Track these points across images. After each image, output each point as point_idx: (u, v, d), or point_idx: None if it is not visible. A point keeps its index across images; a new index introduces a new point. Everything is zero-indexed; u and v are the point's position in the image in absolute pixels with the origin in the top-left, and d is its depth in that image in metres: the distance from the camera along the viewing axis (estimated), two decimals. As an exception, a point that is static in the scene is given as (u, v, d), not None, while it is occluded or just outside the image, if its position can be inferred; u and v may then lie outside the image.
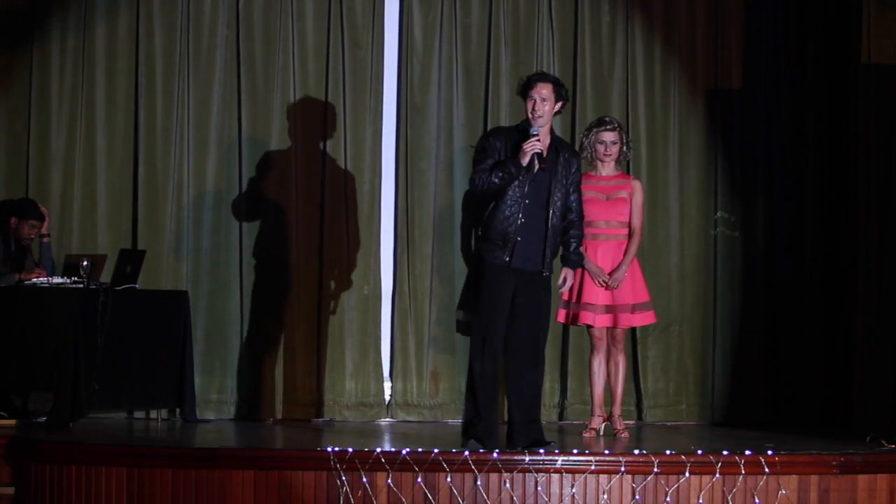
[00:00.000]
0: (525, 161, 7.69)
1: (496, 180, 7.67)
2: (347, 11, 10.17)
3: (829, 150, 10.11)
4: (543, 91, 7.78)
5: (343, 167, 10.11)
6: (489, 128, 10.13)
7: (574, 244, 8.02)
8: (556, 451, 7.42)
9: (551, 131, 7.90)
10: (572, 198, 7.94)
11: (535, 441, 7.72)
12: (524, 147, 7.68)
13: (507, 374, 7.86)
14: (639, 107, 10.22)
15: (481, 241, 7.81)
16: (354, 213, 10.09)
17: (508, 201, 7.73)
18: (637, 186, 8.82)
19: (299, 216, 10.07)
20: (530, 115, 7.78)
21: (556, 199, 7.83)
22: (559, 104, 7.85)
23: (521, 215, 7.73)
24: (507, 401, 7.96)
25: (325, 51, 10.18)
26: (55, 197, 10.03)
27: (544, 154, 7.76)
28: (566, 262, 8.06)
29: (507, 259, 7.73)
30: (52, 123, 10.09)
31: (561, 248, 8.00)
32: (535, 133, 7.72)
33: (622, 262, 8.67)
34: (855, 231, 9.61)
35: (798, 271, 10.12)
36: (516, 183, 7.72)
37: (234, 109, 10.14)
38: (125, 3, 10.12)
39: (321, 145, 10.14)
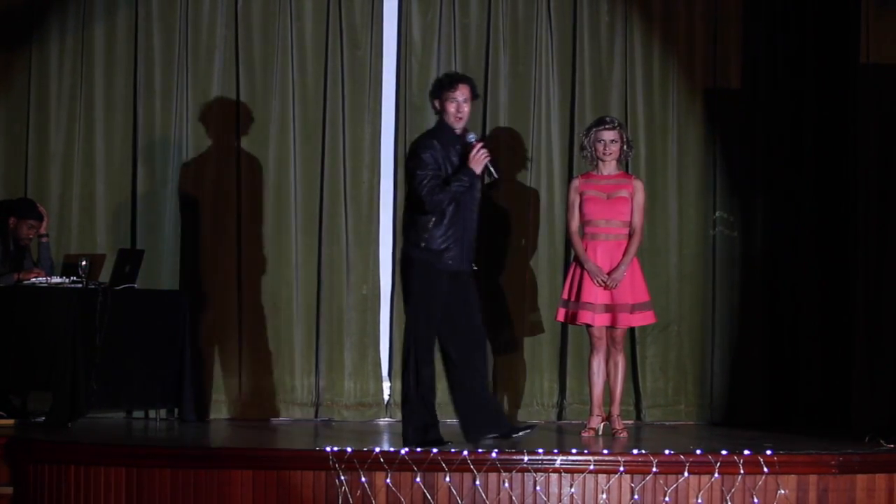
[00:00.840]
0: (479, 170, 7.72)
1: (457, 194, 7.66)
2: (346, 11, 10.17)
3: (829, 150, 10.10)
4: (466, 92, 7.77)
5: (342, 167, 10.11)
6: (488, 129, 10.15)
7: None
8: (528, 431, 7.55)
9: None
10: (478, 196, 7.97)
11: (512, 429, 7.72)
12: (478, 156, 7.68)
13: (464, 376, 7.81)
14: (638, 107, 10.22)
15: (423, 250, 7.71)
16: (354, 212, 10.09)
17: (455, 210, 7.72)
18: (638, 186, 8.82)
19: (298, 215, 10.07)
20: (452, 118, 7.75)
21: (478, 199, 7.88)
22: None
23: (469, 220, 7.78)
24: (467, 402, 7.83)
25: (324, 51, 10.18)
26: (54, 197, 10.03)
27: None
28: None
29: (458, 263, 7.74)
30: (51, 123, 10.09)
31: None
32: (474, 139, 7.75)
33: (621, 261, 8.67)
34: (854, 231, 9.61)
35: (797, 271, 10.12)
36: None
37: (232, 109, 10.13)
38: (124, 4, 10.12)
39: (320, 145, 10.13)
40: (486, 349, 8.07)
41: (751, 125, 10.20)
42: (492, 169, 7.81)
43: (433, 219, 7.69)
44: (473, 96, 7.82)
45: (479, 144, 7.72)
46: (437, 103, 7.80)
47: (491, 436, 7.66)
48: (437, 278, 7.72)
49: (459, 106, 7.75)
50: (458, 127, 7.78)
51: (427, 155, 7.69)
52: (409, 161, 7.79)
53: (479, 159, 7.69)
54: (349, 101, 10.16)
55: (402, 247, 7.89)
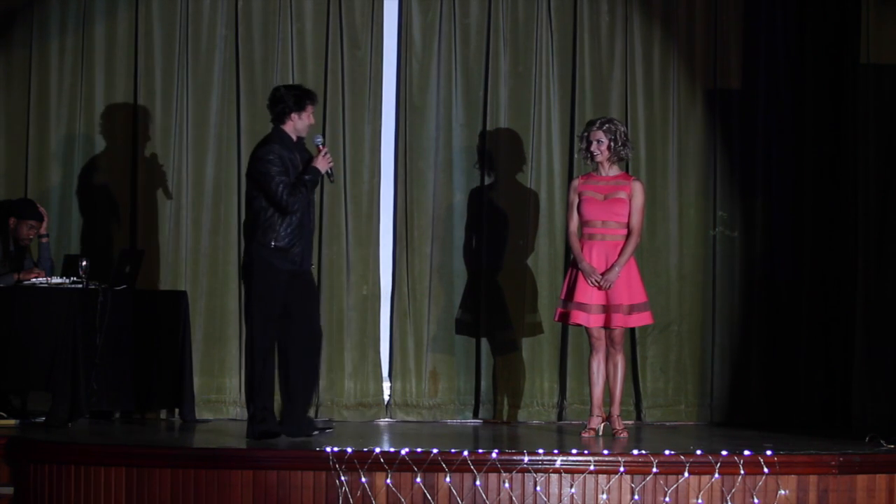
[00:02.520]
0: (324, 170, 8.26)
1: (308, 192, 8.18)
2: (346, 11, 10.17)
3: (829, 150, 10.11)
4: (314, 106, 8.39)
5: (342, 167, 10.11)
6: (488, 128, 10.15)
7: None
8: (329, 430, 8.31)
9: None
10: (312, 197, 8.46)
11: (312, 425, 8.24)
12: (325, 157, 8.25)
13: (291, 368, 8.26)
14: (638, 107, 10.22)
15: (272, 250, 8.16)
16: (354, 213, 10.09)
17: (300, 209, 8.18)
18: (637, 188, 8.80)
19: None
20: (308, 127, 8.31)
21: (314, 202, 8.38)
22: None
23: (309, 220, 8.28)
24: (287, 392, 8.29)
25: (324, 51, 10.18)
26: (54, 197, 10.03)
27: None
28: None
29: (299, 262, 8.22)
30: (51, 123, 10.09)
31: None
32: (321, 142, 8.37)
33: (615, 262, 8.66)
34: (854, 231, 9.61)
35: (797, 271, 10.12)
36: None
37: (232, 109, 10.14)
38: (124, 3, 10.13)
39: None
40: (319, 352, 8.59)
41: (751, 125, 10.20)
42: (331, 172, 8.36)
43: (271, 217, 8.14)
44: None
45: (326, 149, 8.31)
46: (294, 114, 8.28)
47: (297, 438, 8.15)
48: (277, 278, 8.17)
49: (312, 118, 8.35)
50: (305, 134, 8.34)
51: (274, 157, 8.18)
52: (257, 165, 8.20)
53: (326, 160, 8.27)
54: (349, 101, 10.16)
55: (246, 249, 8.29)
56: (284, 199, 8.09)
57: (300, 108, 8.27)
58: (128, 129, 10.12)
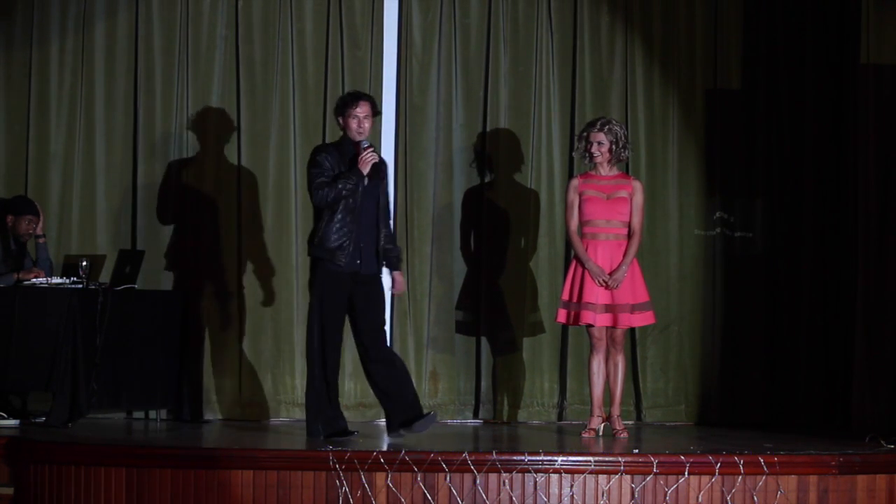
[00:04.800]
0: (366, 170, 8.19)
1: (342, 191, 8.12)
2: (346, 12, 10.18)
3: (829, 150, 10.11)
4: (367, 108, 8.30)
5: (342, 167, 10.11)
6: (489, 128, 10.16)
7: (394, 247, 8.50)
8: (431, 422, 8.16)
9: None
10: (384, 201, 8.45)
11: (419, 415, 8.23)
12: (365, 157, 8.19)
13: (380, 370, 8.30)
14: (638, 107, 10.22)
15: (319, 249, 8.20)
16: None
17: (346, 210, 8.17)
18: (637, 187, 8.82)
19: (298, 216, 10.07)
20: (354, 133, 8.27)
21: (382, 204, 8.35)
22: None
23: (367, 224, 8.24)
24: (388, 391, 8.32)
25: (325, 51, 10.18)
26: (54, 197, 10.03)
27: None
28: (396, 265, 8.53)
29: (360, 266, 8.21)
30: (52, 123, 10.09)
31: (383, 252, 8.41)
32: (368, 145, 8.25)
33: (622, 262, 8.67)
34: (854, 231, 9.61)
35: (797, 271, 10.13)
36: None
37: (233, 109, 10.14)
38: (124, 3, 10.13)
39: (320, 146, 10.14)
40: (391, 349, 8.71)
41: (751, 126, 10.20)
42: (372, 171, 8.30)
43: (326, 218, 8.16)
44: (374, 112, 8.41)
45: (370, 148, 8.24)
46: (340, 120, 8.35)
47: (402, 430, 8.27)
48: (337, 280, 8.20)
49: (360, 122, 8.28)
50: (359, 139, 8.29)
51: (322, 157, 8.24)
52: (308, 165, 8.26)
53: (366, 160, 8.20)
54: (349, 101, 10.16)
55: (309, 254, 8.32)
56: (310, 189, 8.15)
57: (342, 112, 8.33)
58: (128, 129, 10.12)
